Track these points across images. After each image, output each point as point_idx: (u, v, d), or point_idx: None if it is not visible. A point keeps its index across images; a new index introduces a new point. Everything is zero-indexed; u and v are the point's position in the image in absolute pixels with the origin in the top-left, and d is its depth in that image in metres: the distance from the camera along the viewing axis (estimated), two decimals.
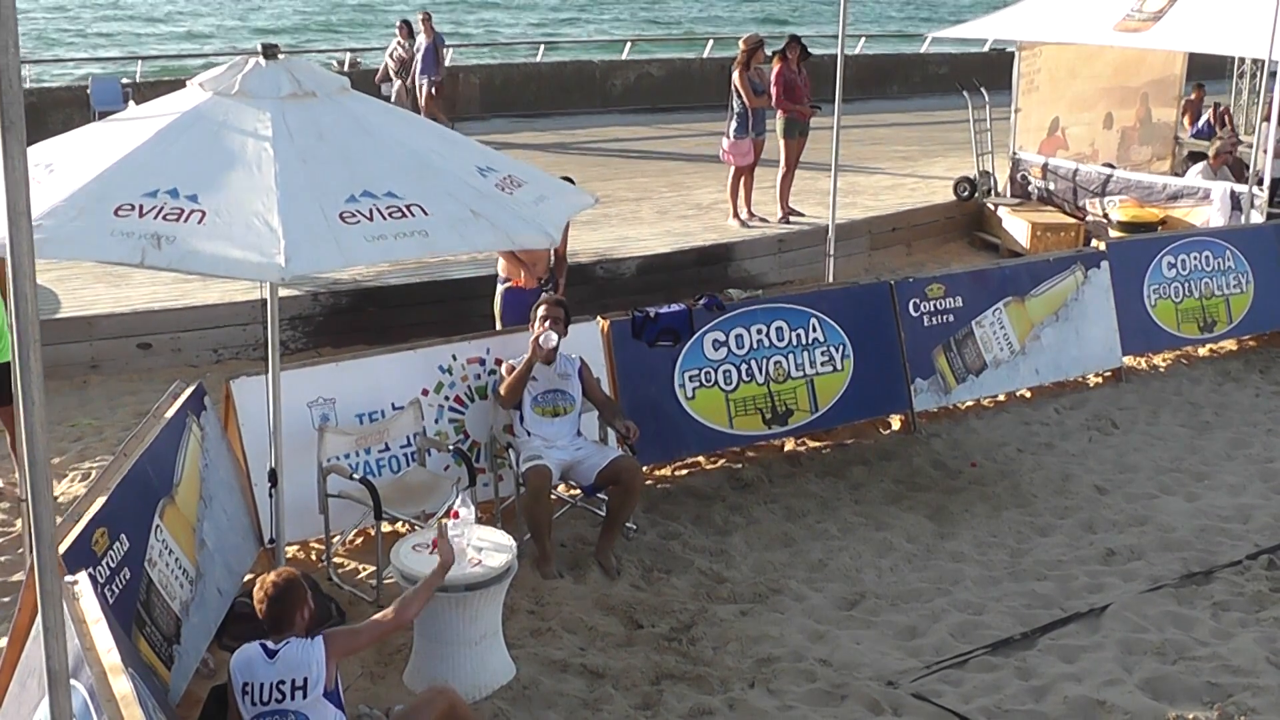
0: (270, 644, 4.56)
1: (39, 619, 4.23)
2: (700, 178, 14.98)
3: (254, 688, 4.51)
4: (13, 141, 2.67)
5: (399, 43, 17.60)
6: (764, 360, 8.30)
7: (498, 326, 8.27)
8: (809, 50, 13.08)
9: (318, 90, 5.32)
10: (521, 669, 5.77)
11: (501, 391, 7.01)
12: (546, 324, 6.90)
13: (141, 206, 4.68)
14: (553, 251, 8.44)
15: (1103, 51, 14.20)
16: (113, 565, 5.10)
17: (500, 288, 8.43)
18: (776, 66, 12.68)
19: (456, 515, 5.71)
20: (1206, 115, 16.56)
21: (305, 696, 4.48)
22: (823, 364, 8.51)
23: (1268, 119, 11.67)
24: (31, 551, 2.93)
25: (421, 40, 17.17)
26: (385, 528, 6.59)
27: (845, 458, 8.38)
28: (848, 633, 6.25)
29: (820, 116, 12.80)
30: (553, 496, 6.96)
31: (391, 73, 17.58)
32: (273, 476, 6.00)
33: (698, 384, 8.06)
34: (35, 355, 2.75)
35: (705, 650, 6.04)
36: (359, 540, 6.98)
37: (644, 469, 7.39)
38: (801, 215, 13.00)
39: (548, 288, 8.25)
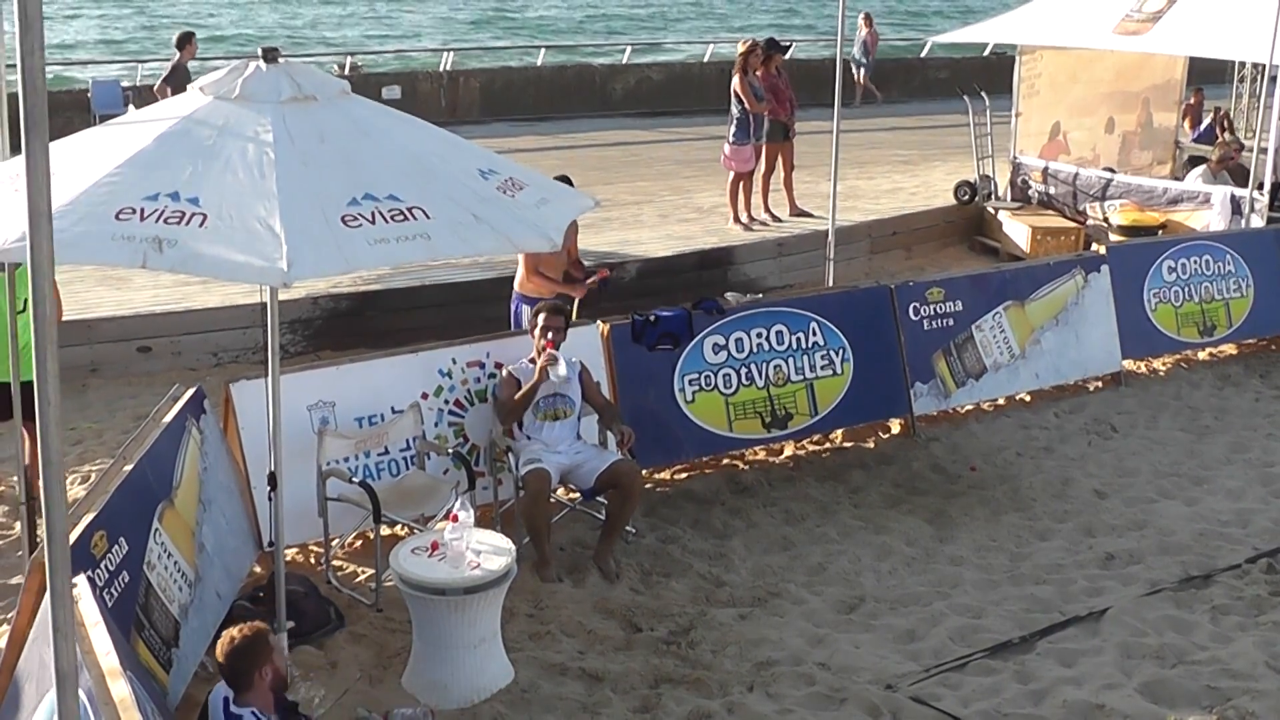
0: (234, 706, 4.43)
1: (37, 622, 4.24)
2: (701, 181, 14.98)
3: None
4: (36, 141, 2.67)
5: None
6: (763, 364, 8.30)
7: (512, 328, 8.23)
8: (784, 47, 13.39)
9: (318, 94, 5.31)
10: (520, 672, 5.77)
11: (501, 415, 7.03)
12: (549, 335, 6.92)
13: (143, 210, 4.67)
14: (566, 255, 8.45)
15: (1103, 56, 14.19)
16: (111, 568, 5.10)
17: (518, 297, 8.38)
18: (759, 72, 12.69)
19: (456, 519, 5.72)
20: (1208, 119, 16.56)
21: None
22: (822, 368, 8.51)
23: None
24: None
25: None
26: (384, 531, 6.60)
27: (844, 462, 8.39)
28: (847, 636, 6.25)
29: (819, 121, 12.82)
30: (552, 500, 6.97)
31: None
32: (272, 480, 5.99)
33: (697, 388, 8.06)
34: (52, 355, 2.77)
35: (704, 654, 6.03)
36: (358, 544, 6.98)
37: (643, 472, 7.39)
38: (811, 215, 13.02)
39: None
